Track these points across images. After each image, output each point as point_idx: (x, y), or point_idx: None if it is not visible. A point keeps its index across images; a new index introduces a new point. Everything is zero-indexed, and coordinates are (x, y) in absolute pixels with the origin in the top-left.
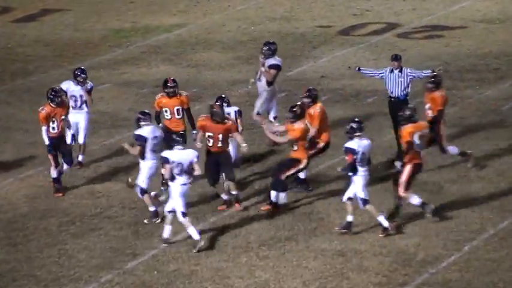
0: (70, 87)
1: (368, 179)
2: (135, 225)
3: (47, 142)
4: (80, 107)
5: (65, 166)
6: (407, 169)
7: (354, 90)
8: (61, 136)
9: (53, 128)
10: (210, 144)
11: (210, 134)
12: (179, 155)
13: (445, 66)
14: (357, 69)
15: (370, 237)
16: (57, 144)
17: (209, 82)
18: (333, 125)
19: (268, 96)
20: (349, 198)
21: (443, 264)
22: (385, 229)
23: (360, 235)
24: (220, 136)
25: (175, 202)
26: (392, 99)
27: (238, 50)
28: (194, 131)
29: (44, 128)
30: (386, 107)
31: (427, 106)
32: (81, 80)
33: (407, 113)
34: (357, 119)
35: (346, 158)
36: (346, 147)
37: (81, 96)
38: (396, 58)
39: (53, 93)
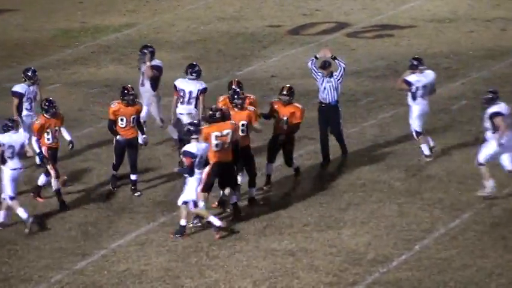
0: (25, 89)
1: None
2: (84, 226)
3: (37, 150)
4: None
5: (46, 178)
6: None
7: (304, 89)
8: (58, 148)
9: (48, 139)
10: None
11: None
12: (11, 137)
13: (395, 66)
14: (315, 57)
15: (320, 237)
16: (55, 156)
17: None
18: None
19: (157, 100)
20: (184, 202)
21: (394, 264)
22: (218, 228)
23: (310, 235)
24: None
25: (5, 186)
26: (323, 105)
27: (187, 50)
28: (144, 136)
29: (34, 139)
30: (342, 104)
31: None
32: (36, 80)
33: None
34: (194, 122)
35: (184, 160)
36: (185, 151)
37: (35, 97)
38: (325, 66)
39: (47, 104)
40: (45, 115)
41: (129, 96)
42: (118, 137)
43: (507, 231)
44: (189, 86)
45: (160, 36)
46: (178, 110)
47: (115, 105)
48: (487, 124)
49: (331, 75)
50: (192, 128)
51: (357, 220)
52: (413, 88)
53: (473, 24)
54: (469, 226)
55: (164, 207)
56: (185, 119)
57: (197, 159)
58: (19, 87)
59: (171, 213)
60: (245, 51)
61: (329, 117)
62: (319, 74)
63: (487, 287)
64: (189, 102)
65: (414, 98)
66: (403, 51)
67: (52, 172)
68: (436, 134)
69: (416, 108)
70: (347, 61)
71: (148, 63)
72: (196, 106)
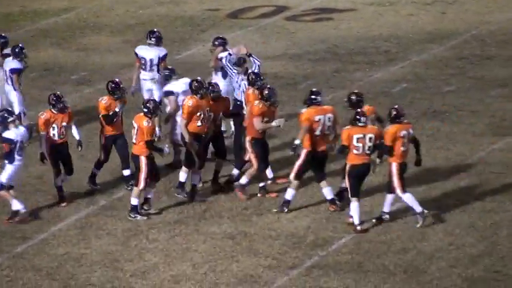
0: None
1: (21, 167)
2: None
3: (43, 149)
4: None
5: (66, 176)
6: None
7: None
8: (64, 144)
9: (54, 135)
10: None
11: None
12: (16, 132)
13: (335, 49)
14: (222, 47)
15: (260, 221)
16: (59, 152)
17: (98, 66)
18: None
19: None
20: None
21: (333, 247)
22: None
23: (249, 218)
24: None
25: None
26: (239, 103)
27: (126, 34)
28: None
29: (42, 134)
30: (281, 88)
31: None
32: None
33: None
34: (8, 109)
35: (4, 147)
36: (4, 137)
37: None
38: (240, 63)
39: (54, 99)
40: (52, 110)
41: (120, 90)
42: (107, 134)
43: (447, 214)
44: (149, 53)
45: (100, 20)
46: (141, 76)
47: (106, 100)
48: None
49: (246, 72)
50: (5, 114)
51: (297, 204)
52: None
53: (413, 8)
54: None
55: (104, 190)
56: (149, 85)
57: (17, 145)
58: (15, 64)
59: (111, 197)
60: (184, 35)
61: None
62: (234, 71)
63: (427, 270)
64: (151, 69)
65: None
66: (343, 35)
67: (53, 169)
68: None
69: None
70: (286, 44)
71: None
72: (159, 71)
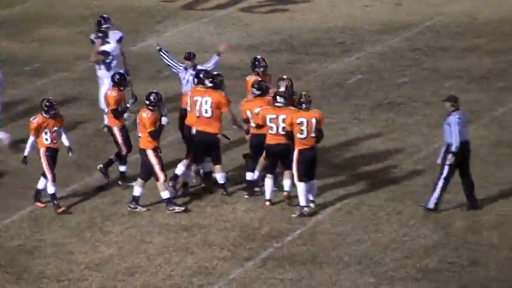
0: None
1: None
2: None
3: (26, 153)
4: None
5: (45, 180)
6: None
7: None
8: (57, 149)
9: (46, 139)
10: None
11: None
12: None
13: (290, 40)
14: (158, 48)
15: (214, 212)
16: (54, 157)
17: (52, 57)
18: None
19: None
20: None
21: (288, 238)
22: None
23: (204, 210)
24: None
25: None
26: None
27: (80, 25)
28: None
29: (31, 138)
30: (231, 80)
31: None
32: None
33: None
34: None
35: None
36: None
37: None
38: (189, 57)
39: (47, 104)
40: (43, 115)
41: (126, 83)
42: (120, 125)
43: (402, 205)
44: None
45: (54, 12)
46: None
47: (116, 93)
48: None
49: (194, 67)
50: None
51: (251, 196)
52: (110, 58)
53: None
54: (364, 201)
55: (57, 183)
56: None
57: None
58: None
59: (64, 189)
60: (139, 26)
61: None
62: (180, 65)
63: (382, 262)
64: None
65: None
66: (298, 26)
67: (49, 176)
68: (331, 108)
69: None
70: (242, 36)
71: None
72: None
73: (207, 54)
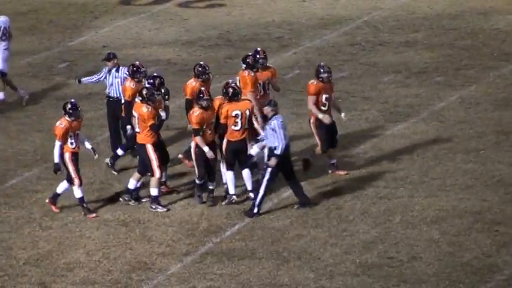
0: None
1: None
2: None
3: (56, 160)
4: None
5: (67, 185)
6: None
7: (135, 60)
8: (78, 153)
9: (72, 143)
10: (326, 108)
11: (327, 95)
12: None
13: (227, 35)
14: (77, 82)
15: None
16: (77, 160)
17: None
18: None
19: None
20: None
21: (227, 234)
22: None
23: (143, 205)
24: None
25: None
26: (111, 99)
27: (19, 21)
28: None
29: (58, 144)
30: (169, 75)
31: None
32: None
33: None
34: None
35: None
36: None
37: None
38: (109, 57)
39: (72, 107)
40: (67, 118)
41: (141, 73)
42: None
43: (342, 200)
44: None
45: None
46: None
47: (133, 85)
48: None
49: (117, 69)
50: None
51: (190, 191)
52: None
53: None
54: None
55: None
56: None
57: None
58: None
59: (3, 185)
60: (77, 22)
61: (117, 112)
62: (99, 74)
63: (321, 257)
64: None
65: None
66: (235, 21)
67: (76, 180)
68: None
69: None
70: (179, 31)
71: None
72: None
73: (145, 50)
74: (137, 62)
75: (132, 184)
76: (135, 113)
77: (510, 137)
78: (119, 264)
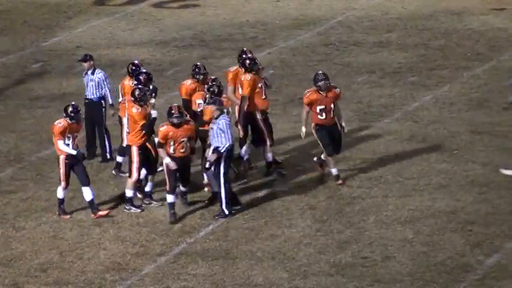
0: None
1: None
2: None
3: (73, 152)
4: None
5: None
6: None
7: (109, 60)
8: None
9: (68, 145)
10: (323, 117)
11: (322, 106)
12: None
13: (201, 36)
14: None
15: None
16: (73, 164)
17: None
18: None
19: None
20: None
21: (201, 234)
22: None
23: (116, 206)
24: (332, 107)
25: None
26: (87, 101)
27: None
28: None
29: (61, 142)
30: None
31: None
32: None
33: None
34: None
35: None
36: None
37: None
38: (85, 59)
39: (74, 110)
40: (68, 120)
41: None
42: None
43: (316, 200)
44: None
45: None
46: None
47: (132, 82)
48: None
49: (93, 71)
50: None
51: (164, 191)
52: None
53: None
54: (277, 196)
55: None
56: None
57: None
58: None
59: None
60: (50, 22)
61: (93, 113)
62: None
63: (296, 257)
64: None
65: None
66: (209, 21)
67: (63, 183)
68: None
69: None
70: (153, 31)
71: None
72: None
73: (119, 50)
74: (136, 61)
75: (129, 193)
76: (126, 114)
77: (484, 136)
78: (92, 264)
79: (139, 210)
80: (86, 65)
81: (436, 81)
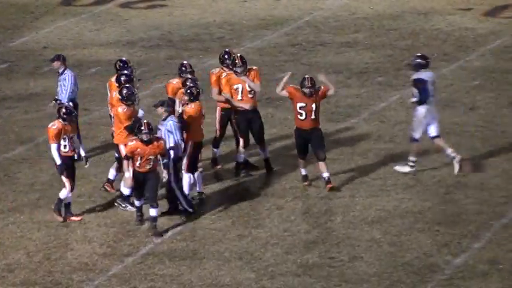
0: None
1: None
2: None
3: (58, 161)
4: None
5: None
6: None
7: (76, 60)
8: (73, 157)
9: (65, 146)
10: (302, 117)
11: (302, 104)
12: None
13: (169, 36)
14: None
15: (94, 209)
16: (71, 166)
17: None
18: None
19: None
20: None
21: (168, 234)
22: None
23: (83, 206)
24: (313, 107)
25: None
26: (57, 101)
27: None
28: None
29: (54, 146)
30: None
31: None
32: None
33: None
34: None
35: None
36: None
37: None
38: (53, 59)
39: (67, 112)
40: (61, 121)
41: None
42: None
43: (283, 201)
44: None
45: None
46: None
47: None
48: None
49: (63, 71)
50: None
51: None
52: None
53: None
54: (244, 196)
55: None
56: None
57: None
58: None
59: None
60: (17, 22)
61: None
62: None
63: (263, 257)
64: None
65: None
66: (176, 21)
67: (67, 184)
68: (211, 104)
69: None
70: (120, 32)
71: None
72: None
73: (86, 50)
74: (124, 58)
75: (126, 191)
76: (111, 113)
77: (451, 137)
78: (59, 265)
79: (134, 209)
80: (54, 64)
81: (403, 81)
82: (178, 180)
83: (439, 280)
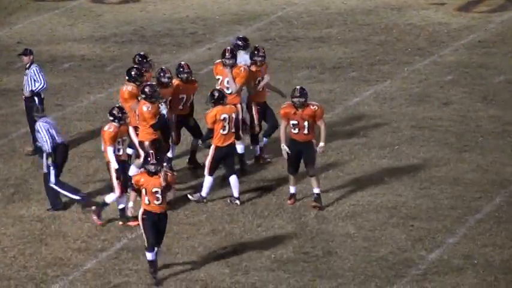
0: None
1: None
2: None
3: (115, 165)
4: None
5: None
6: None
7: (50, 56)
8: (126, 161)
9: (119, 150)
10: (295, 131)
11: (294, 122)
12: None
13: (141, 31)
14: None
15: (68, 204)
16: (125, 169)
17: None
18: None
19: None
20: None
21: (141, 230)
22: None
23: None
24: (306, 123)
25: None
26: (23, 96)
27: None
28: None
29: (111, 149)
30: (84, 71)
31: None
32: None
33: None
34: None
35: None
36: None
37: None
38: (24, 53)
39: (120, 112)
40: (115, 123)
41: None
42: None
43: (257, 196)
44: None
45: None
46: None
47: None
48: None
49: (30, 65)
50: None
51: (105, 184)
52: None
53: None
54: (218, 192)
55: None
56: None
57: None
58: None
59: None
60: None
61: (27, 108)
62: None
63: (237, 252)
64: None
65: None
66: (149, 17)
67: (117, 189)
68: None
69: None
70: (93, 27)
71: None
72: None
73: (59, 46)
74: (142, 52)
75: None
76: (137, 111)
77: (425, 132)
78: (34, 260)
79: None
80: (25, 58)
81: (376, 76)
82: (58, 181)
83: (414, 275)
